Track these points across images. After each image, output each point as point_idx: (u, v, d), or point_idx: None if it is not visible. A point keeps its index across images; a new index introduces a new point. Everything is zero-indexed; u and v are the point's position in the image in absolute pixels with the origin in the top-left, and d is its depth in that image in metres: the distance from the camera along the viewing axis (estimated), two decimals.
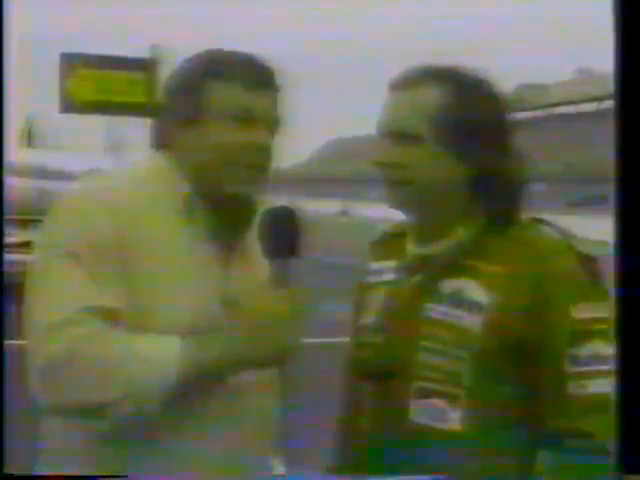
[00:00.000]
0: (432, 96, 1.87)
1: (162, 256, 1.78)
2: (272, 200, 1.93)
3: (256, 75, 1.84)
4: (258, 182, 1.87)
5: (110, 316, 1.70)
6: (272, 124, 1.87)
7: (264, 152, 1.86)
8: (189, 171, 1.85)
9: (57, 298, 1.70)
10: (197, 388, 1.73)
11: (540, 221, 1.92)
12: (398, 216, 2.01)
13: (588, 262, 1.84)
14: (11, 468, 1.81)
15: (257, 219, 1.82)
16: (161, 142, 1.91)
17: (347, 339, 2.06)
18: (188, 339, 1.70)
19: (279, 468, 1.99)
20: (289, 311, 1.74)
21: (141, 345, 1.69)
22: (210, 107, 1.83)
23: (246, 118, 1.82)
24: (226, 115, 1.82)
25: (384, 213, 2.13)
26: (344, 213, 58.45)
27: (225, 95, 1.83)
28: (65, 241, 1.75)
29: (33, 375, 1.70)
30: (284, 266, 1.76)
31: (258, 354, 1.74)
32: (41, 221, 1.85)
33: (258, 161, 1.85)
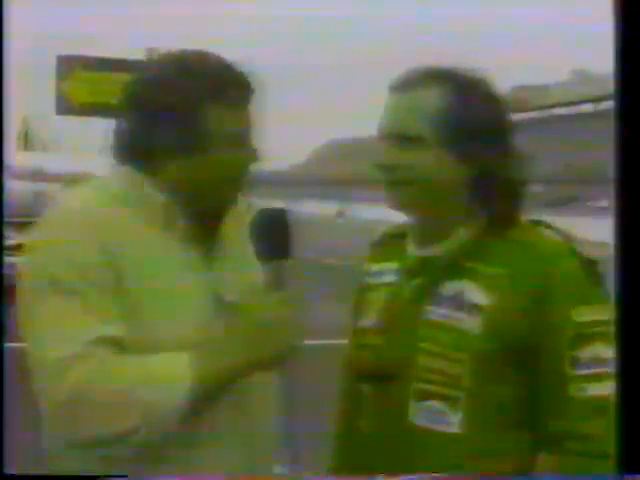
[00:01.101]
0: (432, 97, 1.87)
1: (151, 270, 1.77)
2: (267, 201, 1.94)
3: (246, 93, 1.83)
4: (242, 191, 1.88)
5: (115, 342, 1.70)
6: (252, 136, 1.86)
7: (253, 165, 1.86)
8: (172, 188, 1.81)
9: (61, 334, 1.69)
10: (211, 399, 1.74)
11: (540, 223, 1.92)
12: (396, 217, 2.01)
13: (589, 264, 1.84)
14: (11, 468, 1.82)
15: (249, 220, 1.82)
16: (136, 158, 1.84)
17: (346, 341, 2.06)
18: (195, 354, 1.71)
19: (279, 468, 1.98)
20: (288, 312, 1.76)
21: (151, 368, 1.69)
22: (205, 134, 1.79)
23: (238, 137, 1.82)
24: (220, 137, 1.80)
25: (382, 214, 2.13)
26: (340, 215, 58.38)
27: (221, 120, 1.80)
28: (57, 274, 1.72)
29: (49, 414, 1.70)
30: (278, 268, 1.78)
31: (261, 357, 1.75)
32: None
33: (247, 175, 1.86)
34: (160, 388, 1.67)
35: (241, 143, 1.83)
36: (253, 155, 1.86)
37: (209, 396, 1.73)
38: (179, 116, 1.78)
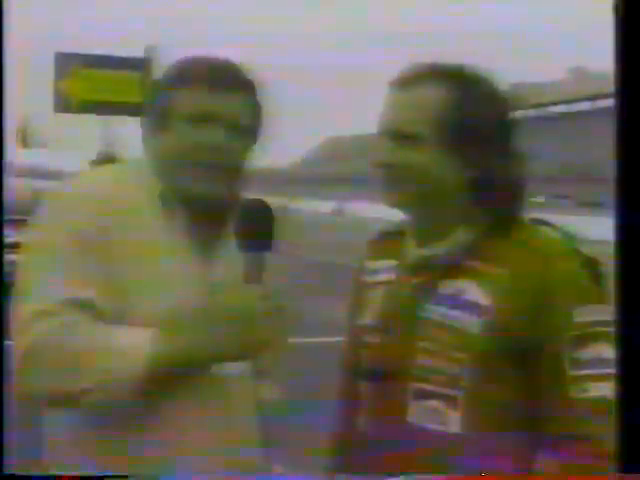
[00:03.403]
0: (431, 95, 1.86)
1: (143, 249, 1.82)
2: (259, 197, 1.93)
3: (214, 78, 1.87)
4: (219, 181, 1.88)
5: (90, 308, 1.75)
6: (232, 125, 1.87)
7: (219, 152, 1.86)
8: (158, 170, 1.89)
9: (39, 289, 1.76)
10: (169, 380, 1.75)
11: (541, 222, 1.91)
12: (395, 215, 2.00)
13: (590, 264, 1.83)
14: (11, 468, 1.82)
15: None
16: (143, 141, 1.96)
17: (344, 338, 2.05)
18: (159, 332, 1.73)
19: (278, 467, 1.99)
20: (259, 306, 1.74)
21: (113, 337, 1.72)
22: (169, 109, 1.88)
23: (201, 119, 1.85)
24: (182, 116, 1.86)
25: (380, 212, 2.12)
26: (339, 212, 58.42)
27: (181, 97, 1.87)
28: (49, 233, 1.81)
29: (12, 363, 1.74)
30: (257, 260, 1.76)
31: (225, 348, 1.74)
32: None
33: (214, 161, 1.86)
34: (116, 358, 1.70)
35: (204, 127, 1.85)
36: (219, 141, 1.86)
37: (167, 374, 1.73)
38: (154, 97, 1.93)
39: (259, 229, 1.78)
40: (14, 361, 1.73)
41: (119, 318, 1.77)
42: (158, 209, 1.86)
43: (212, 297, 1.80)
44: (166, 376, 1.74)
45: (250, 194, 1.97)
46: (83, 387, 1.69)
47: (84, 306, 1.74)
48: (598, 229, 11.37)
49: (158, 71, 2.01)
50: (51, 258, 1.78)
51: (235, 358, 1.79)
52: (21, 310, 1.75)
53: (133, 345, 1.71)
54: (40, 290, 1.75)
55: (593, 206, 48.33)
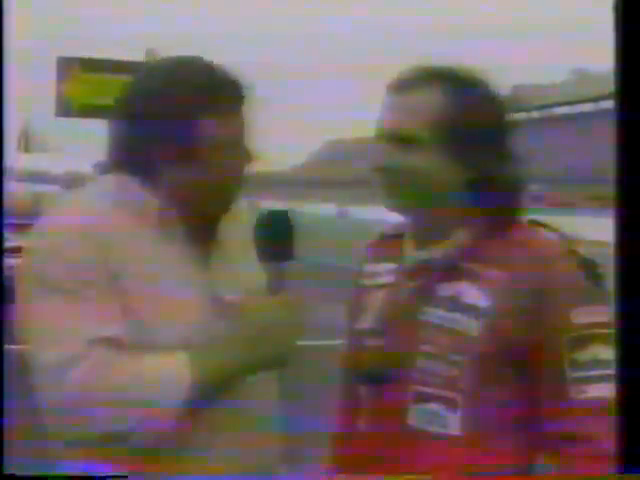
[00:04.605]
0: (429, 98, 1.85)
1: (148, 270, 1.78)
2: (269, 203, 1.94)
3: (238, 100, 1.84)
4: (240, 193, 1.90)
5: (115, 342, 1.71)
6: (248, 136, 1.87)
7: (248, 167, 1.88)
8: (169, 195, 1.83)
9: (60, 335, 1.70)
10: (209, 399, 1.74)
11: (540, 224, 1.91)
12: (397, 218, 2.00)
13: (588, 265, 1.83)
14: (11, 468, 1.82)
15: (251, 220, 1.84)
16: (132, 165, 1.84)
17: (344, 341, 2.05)
18: (194, 353, 1.72)
19: (279, 468, 1.99)
20: (287, 314, 1.77)
21: (150, 367, 1.70)
22: (202, 140, 1.80)
23: (235, 142, 1.83)
24: (220, 146, 1.81)
25: (383, 214, 2.12)
26: (342, 215, 58.46)
27: (215, 129, 1.80)
28: (54, 276, 1.73)
29: (50, 414, 1.71)
30: (280, 270, 1.79)
31: (260, 358, 1.76)
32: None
33: (243, 177, 1.88)
34: (158, 388, 1.68)
35: (235, 147, 1.84)
36: (248, 157, 1.88)
37: (208, 396, 1.73)
38: (172, 126, 1.79)
39: (280, 240, 1.81)
40: (50, 412, 1.70)
41: (141, 344, 1.72)
42: (157, 228, 1.82)
43: (217, 310, 1.80)
44: (208, 394, 1.73)
45: (250, 197, 1.98)
46: (131, 424, 1.67)
47: (109, 342, 1.70)
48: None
49: (146, 86, 1.84)
50: (65, 302, 1.71)
51: (268, 367, 1.81)
52: (46, 359, 1.69)
53: (173, 373, 1.70)
54: (62, 336, 1.69)
55: (566, 206, 48.29)
